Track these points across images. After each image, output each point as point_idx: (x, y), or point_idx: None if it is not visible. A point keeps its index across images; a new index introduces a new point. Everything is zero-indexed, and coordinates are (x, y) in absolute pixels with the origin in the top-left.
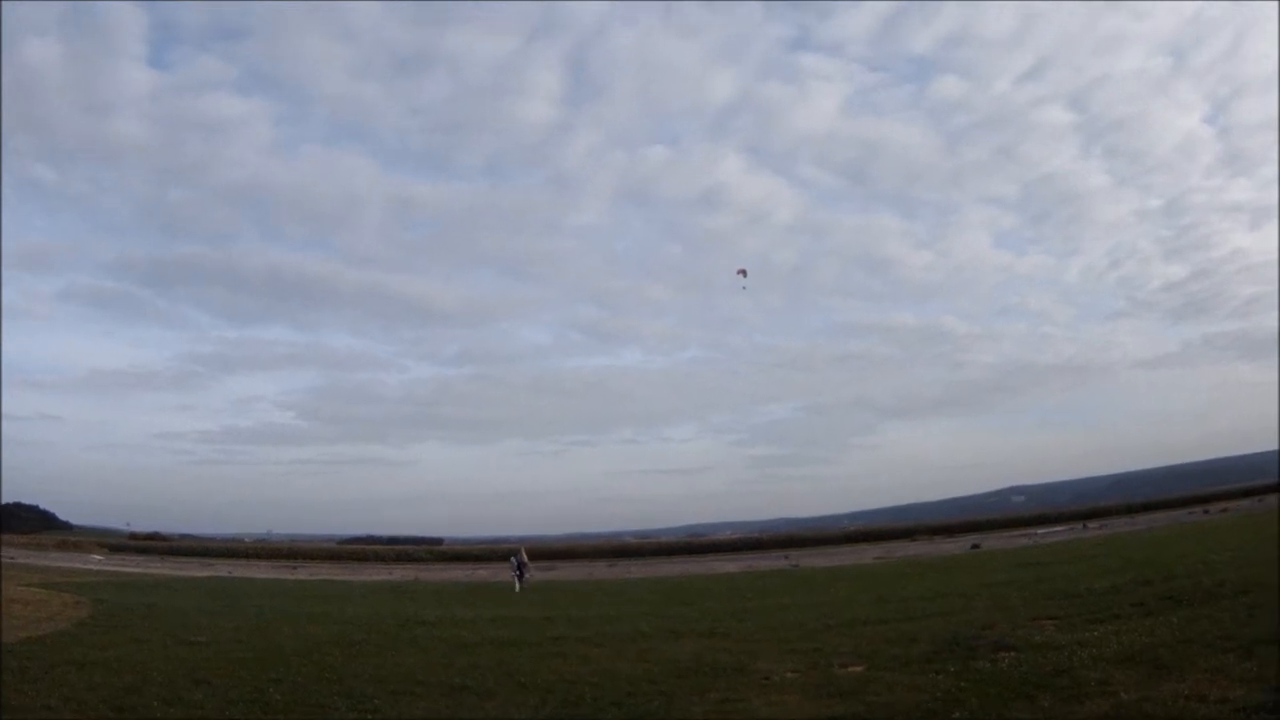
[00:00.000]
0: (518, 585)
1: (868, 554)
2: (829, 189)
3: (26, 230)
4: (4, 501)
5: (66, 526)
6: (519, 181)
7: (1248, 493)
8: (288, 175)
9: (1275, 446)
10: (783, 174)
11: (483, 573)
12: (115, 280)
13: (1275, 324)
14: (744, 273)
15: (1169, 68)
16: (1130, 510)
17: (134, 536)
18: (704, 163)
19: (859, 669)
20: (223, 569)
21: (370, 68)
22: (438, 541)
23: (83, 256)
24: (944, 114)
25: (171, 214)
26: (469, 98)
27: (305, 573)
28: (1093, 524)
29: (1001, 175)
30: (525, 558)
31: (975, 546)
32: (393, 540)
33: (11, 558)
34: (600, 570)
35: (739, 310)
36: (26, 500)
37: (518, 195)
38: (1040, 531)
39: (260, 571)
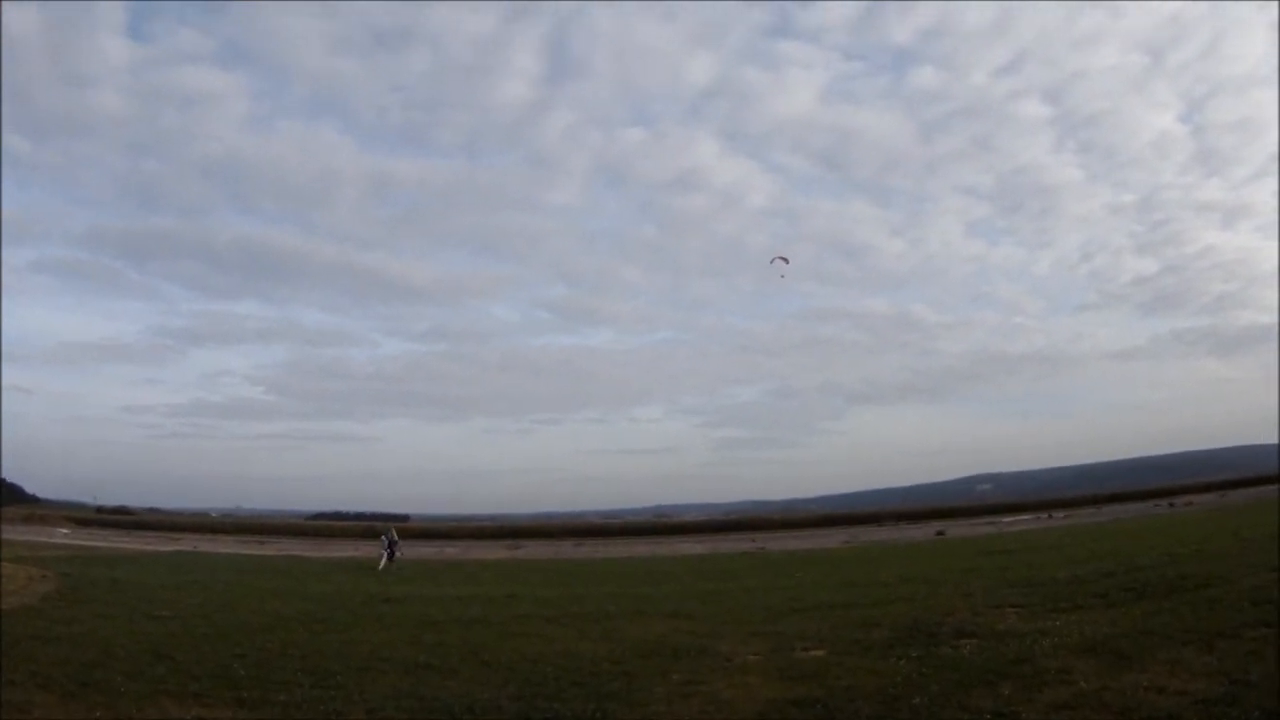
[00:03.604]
0: (383, 562)
1: (833, 538)
2: (804, 175)
3: None
4: None
5: (34, 500)
6: (496, 160)
7: (1210, 487)
8: (264, 150)
9: (1240, 442)
10: (758, 159)
11: (451, 550)
12: (88, 252)
13: (1244, 321)
14: (785, 259)
15: (1145, 66)
16: (1096, 501)
17: (101, 510)
18: (680, 145)
19: (821, 653)
20: (189, 544)
21: (350, 43)
22: (405, 518)
23: (55, 228)
24: (920, 104)
25: (146, 186)
26: (448, 75)
27: (272, 548)
28: (1058, 514)
29: (976, 165)
30: (395, 536)
31: (940, 533)
32: (360, 516)
33: None
34: (566, 550)
35: (711, 293)
36: None
37: (494, 174)
38: (1005, 520)
39: (227, 547)
